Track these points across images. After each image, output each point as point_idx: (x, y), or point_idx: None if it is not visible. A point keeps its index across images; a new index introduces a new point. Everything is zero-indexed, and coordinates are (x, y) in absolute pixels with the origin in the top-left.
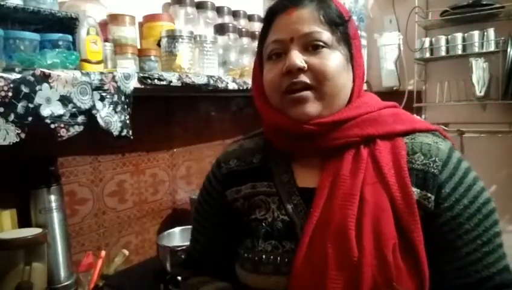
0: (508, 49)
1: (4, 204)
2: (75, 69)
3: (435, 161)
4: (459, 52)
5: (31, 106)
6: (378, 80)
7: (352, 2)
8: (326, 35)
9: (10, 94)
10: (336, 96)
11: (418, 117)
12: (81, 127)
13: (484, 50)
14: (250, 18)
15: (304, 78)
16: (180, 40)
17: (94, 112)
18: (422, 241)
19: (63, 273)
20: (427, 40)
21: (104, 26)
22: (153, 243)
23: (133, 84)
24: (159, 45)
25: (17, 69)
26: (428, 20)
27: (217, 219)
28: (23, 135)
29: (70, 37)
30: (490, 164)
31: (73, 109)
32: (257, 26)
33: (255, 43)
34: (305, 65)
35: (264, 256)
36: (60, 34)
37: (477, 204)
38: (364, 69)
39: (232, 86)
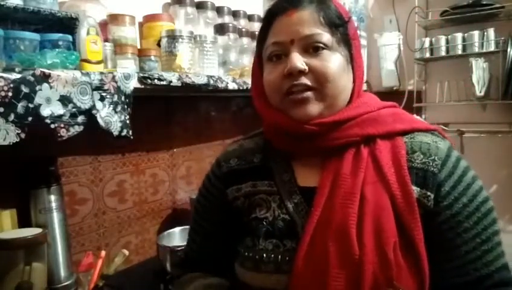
0: (508, 49)
1: (4, 204)
2: (75, 69)
3: (435, 160)
4: (459, 52)
5: (31, 106)
6: (378, 80)
7: (352, 2)
8: (326, 36)
9: (10, 94)
10: (337, 97)
11: (418, 117)
12: (81, 127)
13: (484, 50)
14: (250, 18)
15: (305, 80)
16: (180, 40)
17: (94, 112)
18: (423, 240)
19: (63, 273)
20: (427, 40)
21: (104, 26)
22: (153, 243)
23: (133, 84)
24: (159, 45)
25: (17, 69)
26: (428, 20)
27: (217, 217)
28: (23, 135)
29: (70, 37)
30: (490, 164)
31: (73, 109)
32: (257, 26)
33: (255, 43)
34: (306, 67)
35: (265, 255)
36: (60, 34)
37: (476, 202)
38: (364, 69)
39: (232, 86)
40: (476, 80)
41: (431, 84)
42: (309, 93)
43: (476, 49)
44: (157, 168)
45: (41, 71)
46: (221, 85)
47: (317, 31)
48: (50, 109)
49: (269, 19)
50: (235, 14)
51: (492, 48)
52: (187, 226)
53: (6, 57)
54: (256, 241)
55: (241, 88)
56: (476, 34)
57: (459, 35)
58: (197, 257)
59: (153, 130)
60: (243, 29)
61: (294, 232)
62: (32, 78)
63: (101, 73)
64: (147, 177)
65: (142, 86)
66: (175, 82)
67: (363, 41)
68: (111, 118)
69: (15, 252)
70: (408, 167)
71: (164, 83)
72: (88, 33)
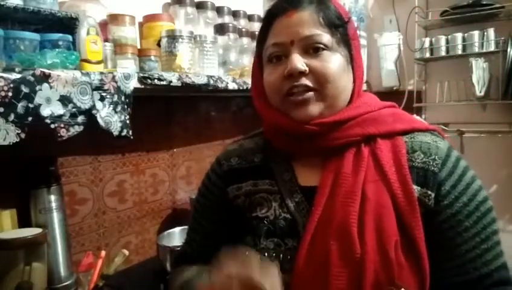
0: (508, 49)
1: (4, 204)
2: (75, 69)
3: (435, 159)
4: (459, 52)
5: (31, 106)
6: (378, 80)
7: (352, 2)
8: (326, 37)
9: (10, 94)
10: (338, 97)
11: (417, 117)
12: (81, 127)
13: (484, 50)
14: (250, 18)
15: (306, 81)
16: (180, 40)
17: (94, 112)
18: (423, 239)
19: (63, 273)
20: (427, 40)
21: (104, 26)
22: (153, 243)
23: (133, 84)
24: (159, 45)
25: (17, 69)
26: (428, 20)
27: (217, 216)
28: (23, 135)
29: (70, 37)
30: (490, 164)
31: (73, 109)
32: (257, 27)
33: (255, 43)
34: (307, 68)
35: (266, 254)
36: (60, 34)
37: (476, 202)
38: (363, 69)
39: (232, 86)
40: (476, 80)
41: (431, 84)
42: (309, 94)
43: (476, 49)
44: (157, 168)
45: (41, 71)
46: (221, 85)
47: (317, 31)
48: (50, 109)
49: (269, 19)
50: (235, 14)
51: (492, 48)
52: (187, 226)
53: (6, 57)
54: (257, 240)
55: (241, 88)
56: (476, 34)
57: (459, 35)
58: (197, 256)
59: (153, 130)
60: (243, 29)
61: (296, 231)
62: (32, 78)
63: (101, 73)
64: (147, 177)
65: (142, 86)
66: (175, 82)
67: (363, 42)
68: (111, 118)
69: (15, 252)
70: (409, 166)
71: (164, 83)
72: (88, 33)
